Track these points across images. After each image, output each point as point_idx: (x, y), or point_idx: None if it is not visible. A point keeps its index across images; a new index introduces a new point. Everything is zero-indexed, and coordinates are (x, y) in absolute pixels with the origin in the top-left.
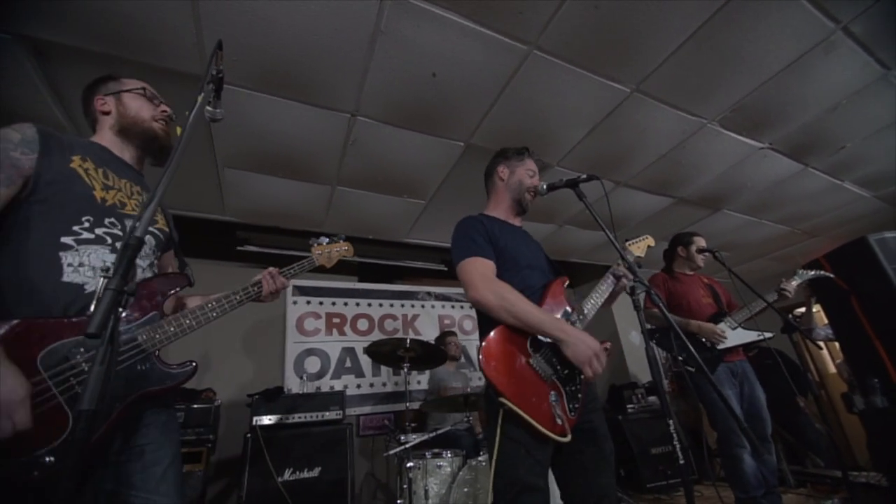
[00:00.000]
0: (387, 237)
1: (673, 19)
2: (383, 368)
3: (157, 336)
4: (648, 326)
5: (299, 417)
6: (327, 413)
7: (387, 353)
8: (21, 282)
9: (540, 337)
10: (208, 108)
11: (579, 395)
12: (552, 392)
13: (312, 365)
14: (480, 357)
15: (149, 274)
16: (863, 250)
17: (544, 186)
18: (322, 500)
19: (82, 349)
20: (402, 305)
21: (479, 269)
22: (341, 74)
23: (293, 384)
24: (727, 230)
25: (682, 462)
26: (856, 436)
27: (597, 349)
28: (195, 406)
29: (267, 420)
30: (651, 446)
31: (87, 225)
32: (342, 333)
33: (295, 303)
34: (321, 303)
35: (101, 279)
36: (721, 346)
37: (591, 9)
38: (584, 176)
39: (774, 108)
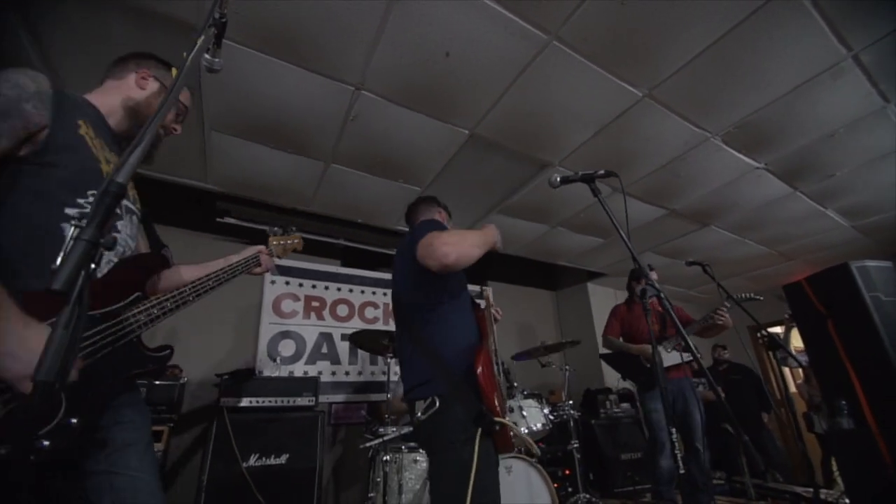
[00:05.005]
0: (376, 223)
1: (693, 28)
2: (360, 356)
3: (142, 318)
4: (607, 351)
5: (270, 401)
6: (299, 399)
7: (371, 339)
8: (21, 250)
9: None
10: (206, 55)
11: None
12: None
13: (287, 348)
14: (479, 371)
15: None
16: (843, 276)
17: (557, 179)
18: (288, 489)
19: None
20: (385, 294)
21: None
22: (349, 43)
23: (265, 366)
24: (712, 246)
25: (682, 472)
26: (811, 454)
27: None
28: (158, 383)
29: (235, 402)
30: (621, 452)
31: (91, 199)
32: (320, 318)
33: (273, 282)
34: (301, 284)
35: (72, 228)
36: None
37: (617, 5)
38: (602, 171)
39: (776, 128)
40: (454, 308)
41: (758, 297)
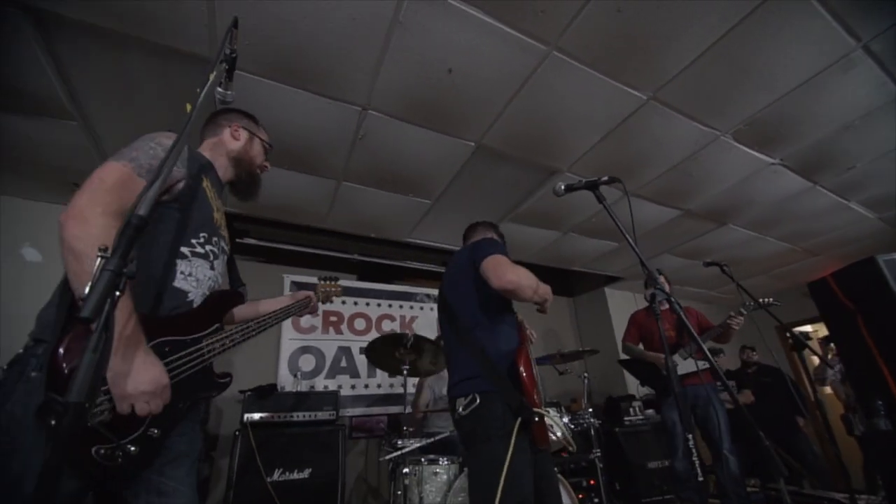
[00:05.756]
0: (389, 236)
1: (695, 27)
2: (379, 369)
3: (217, 346)
4: (626, 357)
5: (292, 416)
6: (320, 413)
7: (385, 353)
8: (142, 277)
9: None
10: (219, 88)
11: None
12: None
13: (307, 363)
14: (521, 367)
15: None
16: (871, 271)
17: (562, 187)
18: (311, 502)
19: (175, 348)
20: (401, 306)
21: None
22: (354, 65)
23: (287, 382)
24: (731, 245)
25: (700, 479)
26: (851, 458)
27: None
28: None
29: (258, 417)
30: (647, 460)
31: (202, 240)
32: (339, 332)
33: None
34: None
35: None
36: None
37: (614, 11)
38: (606, 178)
39: (788, 123)
40: (501, 319)
41: (776, 302)
